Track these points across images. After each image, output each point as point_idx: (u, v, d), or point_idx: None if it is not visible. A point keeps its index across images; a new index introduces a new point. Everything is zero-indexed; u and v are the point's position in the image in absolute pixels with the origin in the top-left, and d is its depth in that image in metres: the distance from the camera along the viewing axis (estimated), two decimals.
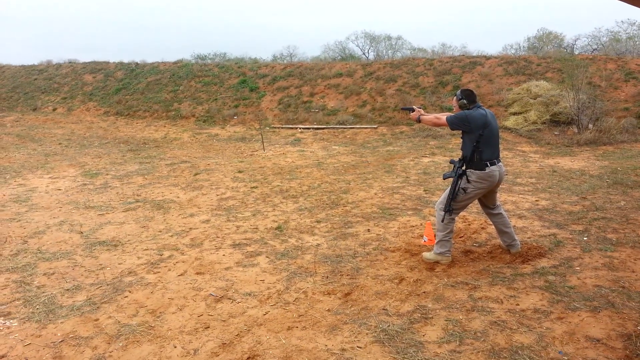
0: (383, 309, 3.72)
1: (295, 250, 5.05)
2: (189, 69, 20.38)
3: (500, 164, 4.40)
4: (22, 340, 3.39)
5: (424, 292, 3.99)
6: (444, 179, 4.68)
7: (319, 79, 17.48)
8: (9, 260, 4.91)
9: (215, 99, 17.80)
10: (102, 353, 3.22)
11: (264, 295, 4.05)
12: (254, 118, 15.96)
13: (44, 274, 4.53)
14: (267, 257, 4.90)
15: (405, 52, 28.54)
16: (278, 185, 8.07)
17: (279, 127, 15.23)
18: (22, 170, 9.65)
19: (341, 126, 14.53)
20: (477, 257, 4.68)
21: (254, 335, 3.40)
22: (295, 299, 3.96)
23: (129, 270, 4.63)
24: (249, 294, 4.06)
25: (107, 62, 22.88)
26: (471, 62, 16.32)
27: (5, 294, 4.12)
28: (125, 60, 22.64)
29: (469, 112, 4.30)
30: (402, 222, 5.88)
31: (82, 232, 5.75)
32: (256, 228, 5.85)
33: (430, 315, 3.59)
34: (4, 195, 7.67)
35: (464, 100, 4.38)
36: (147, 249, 5.19)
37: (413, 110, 4.76)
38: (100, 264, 4.77)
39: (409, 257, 4.75)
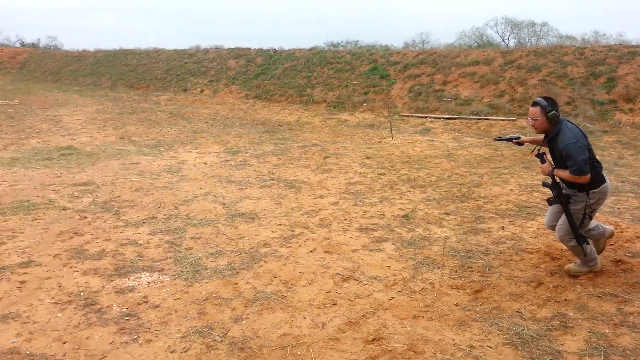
0: (517, 312, 3.51)
1: (422, 240, 4.98)
2: (322, 55, 20.90)
3: None
4: (172, 294, 3.80)
5: (565, 300, 3.68)
6: (550, 204, 4.06)
7: (453, 67, 16.82)
8: (163, 223, 5.52)
9: (346, 86, 18.06)
10: (239, 314, 3.50)
11: (389, 280, 4.06)
12: (383, 105, 15.91)
13: (192, 238, 5.02)
14: (393, 244, 4.89)
15: (551, 40, 26.26)
16: (406, 174, 7.99)
17: (408, 116, 15.02)
18: (174, 145, 10.74)
19: (475, 117, 13.88)
20: (629, 268, 4.19)
21: (379, 319, 3.44)
22: (422, 288, 3.91)
23: (264, 242, 4.94)
24: (375, 278, 4.10)
25: (249, 49, 24.38)
26: (630, 52, 14.46)
27: (159, 252, 4.65)
28: (265, 47, 23.95)
29: (573, 136, 3.64)
30: (543, 223, 5.47)
31: (224, 204, 6.26)
32: (383, 214, 5.86)
33: (570, 325, 3.32)
34: (159, 165, 8.61)
35: (555, 112, 3.70)
36: (280, 225, 5.49)
37: (520, 144, 4.28)
38: (240, 234, 5.15)
39: (549, 261, 4.41)
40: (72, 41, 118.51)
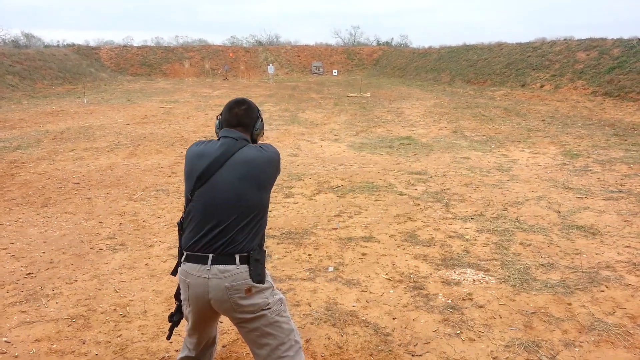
0: None
1: None
2: None
3: None
4: (498, 298, 3.69)
5: None
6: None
7: None
8: (490, 222, 5.42)
9: None
10: (571, 339, 3.12)
11: None
12: None
13: (520, 243, 4.76)
14: None
15: None
16: None
17: None
18: (505, 142, 10.42)
19: None
20: None
21: None
22: None
23: (607, 263, 4.26)
24: None
25: (604, 39, 21.37)
26: None
27: (486, 251, 4.58)
28: (626, 37, 20.53)
29: None
30: None
31: (559, 212, 5.70)
32: None
33: None
34: (489, 162, 8.50)
35: None
36: (628, 247, 4.63)
37: None
38: (576, 249, 4.60)
39: None
40: (420, 39, 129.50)
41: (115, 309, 3.61)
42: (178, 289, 2.30)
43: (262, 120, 2.36)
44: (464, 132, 11.85)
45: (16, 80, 23.65)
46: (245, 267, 2.07)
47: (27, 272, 4.26)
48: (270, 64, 36.15)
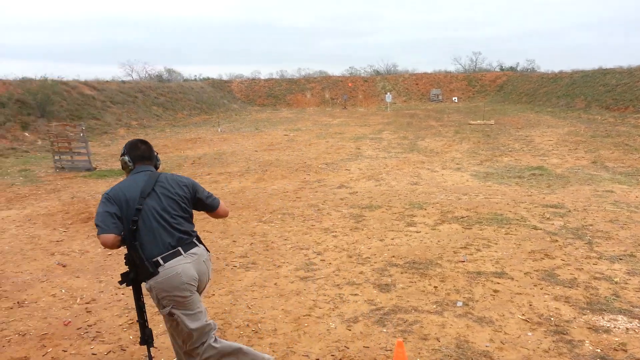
0: None
1: None
2: None
3: None
4: None
5: None
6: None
7: None
8: None
9: None
10: None
11: None
12: None
13: None
14: None
15: None
16: None
17: None
18: None
19: None
20: None
21: None
22: None
23: None
24: None
25: None
26: None
27: (639, 298, 4.05)
28: None
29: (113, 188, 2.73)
30: None
31: None
32: None
33: None
34: (637, 197, 7.59)
35: (124, 157, 2.91)
36: None
37: None
38: None
39: None
40: (549, 63, 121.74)
41: (248, 325, 3.79)
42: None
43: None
44: (605, 162, 10.76)
45: (160, 111, 26.55)
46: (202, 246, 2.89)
47: None
48: (388, 93, 36.40)
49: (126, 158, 2.85)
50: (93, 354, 3.44)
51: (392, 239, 5.81)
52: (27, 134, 17.35)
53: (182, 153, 14.11)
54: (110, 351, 3.48)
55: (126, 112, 23.52)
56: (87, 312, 4.13)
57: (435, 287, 4.42)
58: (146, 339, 2.80)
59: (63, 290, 4.61)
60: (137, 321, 2.84)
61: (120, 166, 2.94)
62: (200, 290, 2.81)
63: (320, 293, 4.36)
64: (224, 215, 3.13)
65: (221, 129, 20.79)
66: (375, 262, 5.05)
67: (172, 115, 26.74)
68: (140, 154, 2.88)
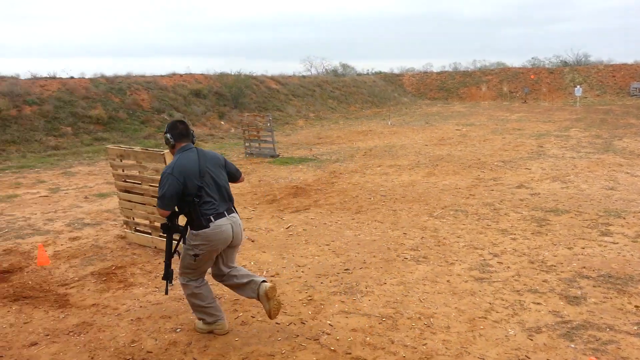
0: None
1: None
2: None
3: None
4: None
5: None
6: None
7: None
8: None
9: None
10: None
11: None
12: None
13: None
14: None
15: None
16: None
17: None
18: None
19: None
20: None
21: None
22: None
23: None
24: None
25: None
26: None
27: None
28: None
29: (172, 165, 3.48)
30: None
31: None
32: None
33: None
34: None
35: (167, 135, 3.60)
36: None
37: None
38: None
39: None
40: None
41: (420, 318, 3.77)
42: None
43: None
44: None
45: (335, 104, 27.79)
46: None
47: (345, 268, 4.87)
48: (578, 86, 32.58)
49: (168, 135, 3.47)
50: (277, 323, 3.77)
51: (583, 248, 5.21)
52: (222, 123, 19.71)
53: (354, 144, 14.58)
54: (291, 323, 3.78)
55: (305, 105, 25.17)
56: None
57: (637, 306, 3.85)
58: (168, 276, 3.56)
59: (252, 263, 5.14)
60: (164, 262, 3.57)
61: (164, 141, 3.55)
62: (234, 246, 3.59)
63: (498, 297, 4.12)
64: (241, 182, 3.89)
65: (391, 122, 20.95)
66: (562, 272, 4.59)
67: (345, 108, 27.80)
68: (179, 132, 3.48)
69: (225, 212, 3.46)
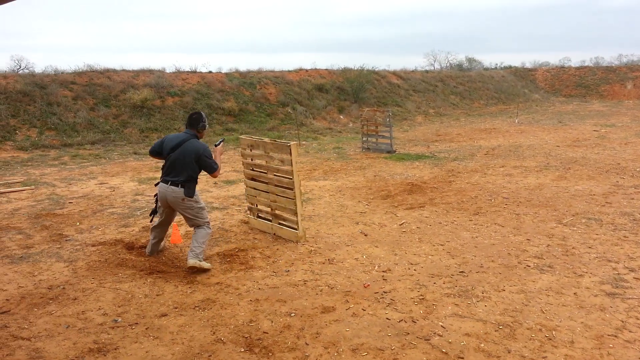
0: None
1: None
2: None
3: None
4: None
5: None
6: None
7: None
8: None
9: None
10: None
11: None
12: None
13: None
14: None
15: None
16: None
17: None
18: None
19: None
20: None
21: None
22: None
23: None
24: None
25: None
26: None
27: None
28: None
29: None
30: None
31: None
32: None
33: None
34: None
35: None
36: None
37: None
38: None
39: None
40: None
41: (540, 329, 3.54)
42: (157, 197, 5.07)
43: (204, 122, 4.93)
44: None
45: (457, 100, 26.79)
46: (181, 189, 4.75)
47: (460, 270, 4.72)
48: None
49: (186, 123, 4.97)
50: (387, 319, 3.79)
51: None
52: (341, 117, 20.07)
53: (475, 143, 13.96)
54: (402, 320, 3.77)
55: (425, 101, 24.63)
56: (384, 279, 4.57)
57: None
58: (153, 213, 5.21)
59: (364, 256, 5.20)
60: (155, 204, 5.19)
61: None
62: (167, 207, 4.97)
63: (632, 315, 3.72)
64: (216, 177, 5.10)
65: (518, 120, 19.66)
66: None
67: (468, 104, 26.68)
68: (188, 122, 4.92)
69: (167, 181, 4.75)
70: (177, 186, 4.72)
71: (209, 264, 4.92)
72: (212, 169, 4.83)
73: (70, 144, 13.62)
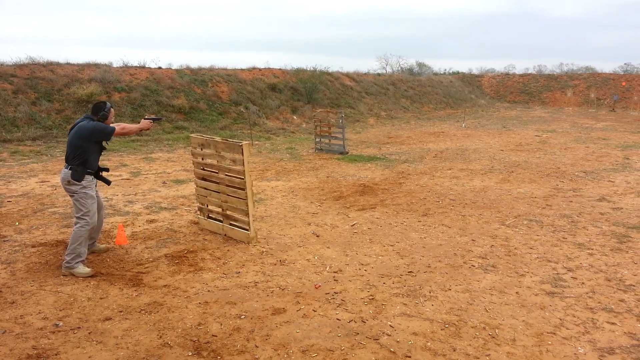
0: None
1: None
2: None
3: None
4: None
5: None
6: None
7: None
8: None
9: None
10: None
11: None
12: None
13: None
14: None
15: None
16: None
17: None
18: None
19: None
20: None
21: None
22: None
23: None
24: None
25: None
26: None
27: None
28: None
29: None
30: None
31: None
32: None
33: None
34: None
35: None
36: None
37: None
38: None
39: None
40: None
41: (484, 328, 3.67)
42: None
43: (105, 111, 4.80)
44: None
45: (408, 103, 27.39)
46: (69, 171, 4.65)
47: (409, 270, 4.83)
48: None
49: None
50: (337, 319, 3.82)
51: None
52: (295, 117, 20.06)
53: (424, 145, 14.33)
54: (352, 320, 3.81)
55: (377, 103, 25.01)
56: (335, 280, 4.60)
57: None
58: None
59: (316, 257, 5.22)
60: None
61: None
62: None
63: (569, 313, 3.92)
64: (121, 135, 5.00)
65: (465, 125, 20.34)
66: None
67: (418, 108, 27.33)
68: (91, 109, 4.83)
69: (66, 165, 4.75)
70: (67, 169, 4.68)
71: (86, 269, 4.65)
72: (108, 130, 4.69)
73: (10, 139, 12.87)
